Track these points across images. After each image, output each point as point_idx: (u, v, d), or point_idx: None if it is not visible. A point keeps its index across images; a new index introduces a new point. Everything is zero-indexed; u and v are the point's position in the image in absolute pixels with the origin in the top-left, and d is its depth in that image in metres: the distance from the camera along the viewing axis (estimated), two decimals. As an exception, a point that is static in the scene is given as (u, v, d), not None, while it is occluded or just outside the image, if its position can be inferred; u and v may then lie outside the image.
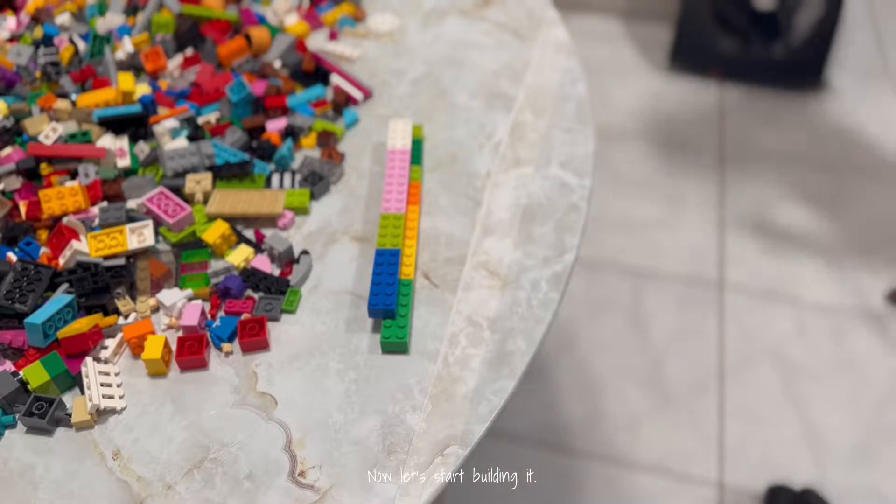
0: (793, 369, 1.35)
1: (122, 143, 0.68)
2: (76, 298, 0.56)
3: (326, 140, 0.71)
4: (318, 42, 0.84)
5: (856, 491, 1.21)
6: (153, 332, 0.55)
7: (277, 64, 0.79)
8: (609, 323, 1.45)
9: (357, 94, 0.76)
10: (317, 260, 0.62)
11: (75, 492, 0.48)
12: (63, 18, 0.81)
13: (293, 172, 0.68)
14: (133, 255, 0.60)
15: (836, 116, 1.86)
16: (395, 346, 0.55)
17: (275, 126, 0.71)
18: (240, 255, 0.61)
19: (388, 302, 0.55)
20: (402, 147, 0.68)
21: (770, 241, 1.58)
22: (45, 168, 0.66)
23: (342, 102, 0.74)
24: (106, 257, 0.59)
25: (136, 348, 0.55)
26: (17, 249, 0.60)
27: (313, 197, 0.66)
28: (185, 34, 0.79)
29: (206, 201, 0.65)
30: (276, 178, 0.67)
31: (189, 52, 0.79)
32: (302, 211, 0.65)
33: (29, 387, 0.52)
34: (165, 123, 0.69)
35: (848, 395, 1.31)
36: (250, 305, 0.57)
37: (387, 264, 0.58)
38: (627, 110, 1.91)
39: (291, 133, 0.72)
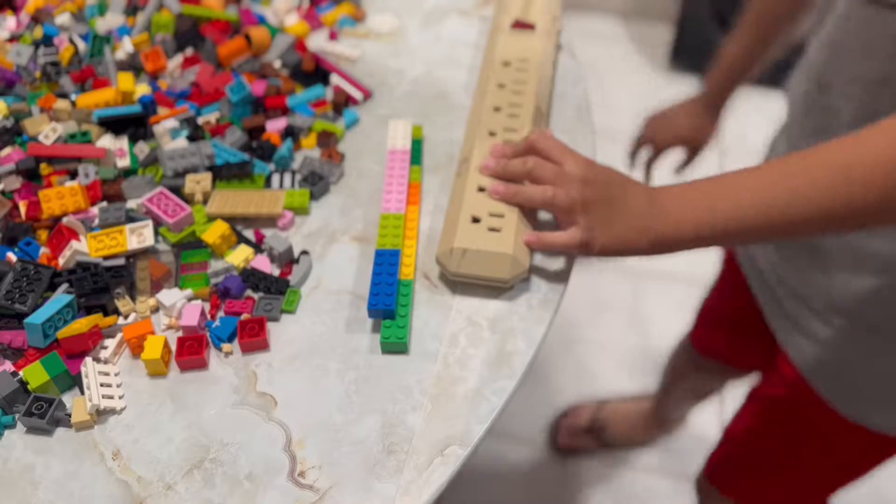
0: (793, 369, 1.35)
1: (122, 143, 0.68)
2: (76, 298, 0.56)
3: (326, 140, 0.71)
4: (318, 42, 0.84)
5: (856, 491, 1.21)
6: (153, 333, 0.55)
7: (277, 64, 0.79)
8: (609, 323, 1.45)
9: (357, 94, 0.76)
10: (316, 260, 0.62)
11: (75, 492, 0.48)
12: (63, 18, 0.81)
13: (293, 172, 0.68)
14: (133, 256, 0.60)
15: (836, 116, 1.85)
16: (395, 346, 0.55)
17: (275, 126, 0.71)
18: (239, 256, 0.61)
19: (388, 302, 0.55)
20: (402, 147, 0.68)
21: (770, 241, 1.58)
22: (44, 168, 0.66)
23: (342, 102, 0.74)
24: (106, 257, 0.59)
25: (136, 348, 0.55)
26: (16, 249, 0.60)
27: (313, 197, 0.66)
28: (185, 34, 0.79)
29: (205, 201, 0.65)
30: (276, 178, 0.67)
31: (189, 52, 0.79)
32: (302, 211, 0.65)
33: (29, 387, 0.52)
34: (165, 123, 0.69)
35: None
36: (250, 305, 0.57)
37: (387, 264, 0.58)
38: (627, 110, 1.91)
39: (291, 133, 0.72)
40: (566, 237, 0.57)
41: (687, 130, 0.97)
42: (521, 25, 0.79)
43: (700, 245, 0.57)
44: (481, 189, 0.61)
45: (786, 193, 0.53)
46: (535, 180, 0.60)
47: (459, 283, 0.59)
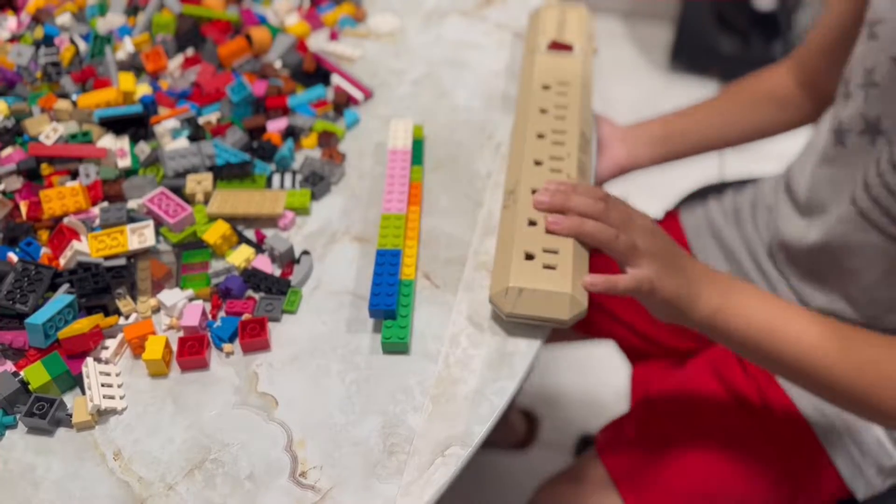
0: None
1: (123, 143, 0.68)
2: (77, 299, 0.56)
3: (327, 140, 0.71)
4: (318, 42, 0.84)
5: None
6: (154, 333, 0.55)
7: (278, 64, 0.79)
8: (609, 323, 1.45)
9: (357, 94, 0.76)
10: (317, 260, 0.62)
11: (76, 492, 0.48)
12: (64, 19, 0.81)
13: (294, 173, 0.68)
14: (134, 256, 0.60)
15: (836, 116, 1.85)
16: (396, 346, 0.55)
17: (275, 126, 0.71)
18: (240, 256, 0.61)
19: (389, 302, 0.55)
20: (403, 147, 0.68)
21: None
22: (45, 168, 0.66)
23: (343, 103, 0.74)
24: (107, 257, 0.59)
25: (137, 349, 0.55)
26: (17, 250, 0.60)
27: (314, 197, 0.66)
28: (186, 34, 0.79)
29: (206, 201, 0.65)
30: (276, 179, 0.67)
31: (190, 52, 0.79)
32: (303, 211, 0.65)
33: (30, 387, 0.52)
34: (166, 124, 0.69)
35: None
36: (251, 306, 0.57)
37: (388, 265, 0.58)
38: (627, 110, 1.91)
39: (292, 133, 0.72)
40: (629, 278, 0.55)
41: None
42: (558, 46, 0.76)
43: (731, 343, 0.60)
44: (532, 223, 0.57)
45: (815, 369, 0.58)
46: (599, 221, 0.57)
47: (513, 324, 0.56)
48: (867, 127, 0.66)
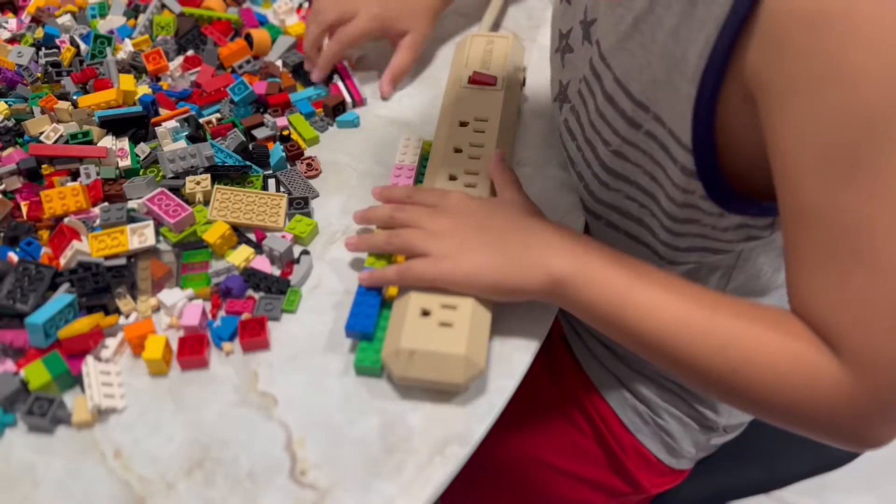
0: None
1: (124, 143, 0.68)
2: (77, 298, 0.56)
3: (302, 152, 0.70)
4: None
5: (855, 490, 1.21)
6: (154, 332, 0.55)
7: (278, 64, 0.79)
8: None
9: (349, 99, 0.75)
10: (317, 260, 0.62)
11: (76, 491, 0.48)
12: (64, 19, 0.81)
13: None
14: (134, 255, 0.60)
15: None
16: (369, 370, 0.53)
17: (266, 133, 0.70)
18: (240, 255, 0.61)
19: (367, 324, 0.53)
20: (410, 164, 0.67)
21: (770, 242, 1.57)
22: (46, 168, 0.66)
23: (335, 106, 0.74)
24: (107, 257, 0.59)
25: (137, 348, 0.55)
26: (18, 249, 0.61)
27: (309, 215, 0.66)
28: (186, 35, 0.79)
29: (206, 202, 0.65)
30: (272, 183, 0.67)
31: (190, 53, 0.79)
32: (302, 241, 0.63)
33: (30, 386, 0.52)
34: (166, 124, 0.69)
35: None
36: (251, 305, 0.58)
37: None
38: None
39: (282, 139, 0.71)
40: (398, 267, 0.54)
41: None
42: (480, 81, 0.70)
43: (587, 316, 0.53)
44: None
45: (684, 345, 0.48)
46: (398, 224, 0.57)
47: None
48: (560, 92, 0.66)
